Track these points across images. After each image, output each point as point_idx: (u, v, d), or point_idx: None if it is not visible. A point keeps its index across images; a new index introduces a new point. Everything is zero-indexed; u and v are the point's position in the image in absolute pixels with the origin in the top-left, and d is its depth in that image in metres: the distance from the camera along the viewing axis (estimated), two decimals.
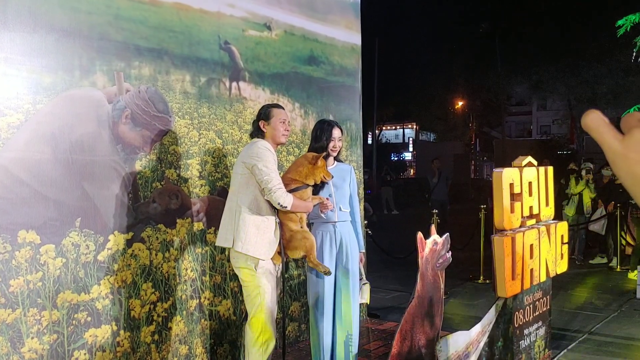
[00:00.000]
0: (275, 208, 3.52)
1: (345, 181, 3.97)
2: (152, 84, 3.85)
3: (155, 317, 3.85)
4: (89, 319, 3.47)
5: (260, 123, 3.64)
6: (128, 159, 3.71)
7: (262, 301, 3.49)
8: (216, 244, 3.70)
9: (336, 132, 3.91)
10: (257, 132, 3.66)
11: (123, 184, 3.69)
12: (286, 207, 3.44)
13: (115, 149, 3.64)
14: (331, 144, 3.89)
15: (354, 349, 3.94)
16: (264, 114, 3.65)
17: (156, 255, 3.85)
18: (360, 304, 4.06)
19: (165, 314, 3.92)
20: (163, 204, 3.92)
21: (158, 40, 3.90)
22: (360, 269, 4.04)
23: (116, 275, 3.61)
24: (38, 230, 3.24)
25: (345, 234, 3.91)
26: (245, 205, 3.49)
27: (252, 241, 3.47)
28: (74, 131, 3.43)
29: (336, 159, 4.03)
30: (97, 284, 3.52)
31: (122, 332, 3.65)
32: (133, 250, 3.72)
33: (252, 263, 3.48)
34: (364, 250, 4.10)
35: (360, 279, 4.02)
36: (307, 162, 3.67)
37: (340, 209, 3.91)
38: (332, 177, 3.78)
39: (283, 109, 3.72)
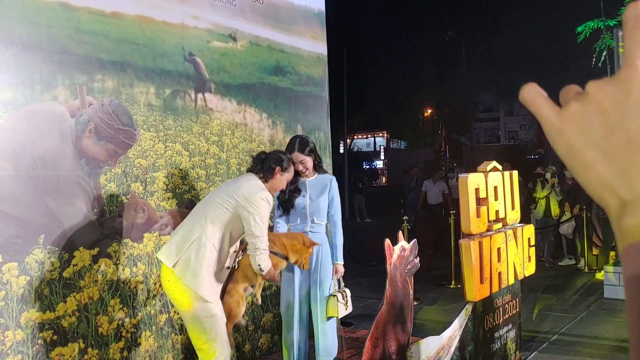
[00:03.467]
0: (233, 254, 3.42)
1: (322, 194, 3.95)
2: (116, 97, 3.81)
3: (124, 333, 3.78)
4: (55, 337, 3.39)
5: (276, 167, 3.48)
6: (92, 174, 3.66)
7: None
8: (157, 256, 3.42)
9: (295, 156, 3.87)
10: (265, 173, 3.47)
11: (88, 199, 3.63)
12: (263, 271, 3.31)
13: (79, 164, 3.59)
14: (300, 167, 3.88)
15: (328, 358, 3.94)
16: (285, 163, 3.53)
17: (123, 270, 3.80)
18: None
19: (134, 330, 3.85)
20: (129, 219, 3.87)
21: (121, 53, 3.86)
22: (334, 281, 4.02)
23: (82, 291, 3.55)
24: (0, 249, 3.17)
25: (319, 241, 3.91)
26: (212, 240, 3.28)
27: (205, 280, 3.24)
28: (36, 146, 3.37)
29: (317, 169, 4.01)
30: (63, 301, 3.45)
31: (90, 349, 3.58)
32: (99, 266, 3.66)
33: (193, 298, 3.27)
34: (340, 262, 4.03)
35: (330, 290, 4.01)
36: (303, 244, 3.60)
37: (313, 221, 3.92)
38: (308, 269, 3.77)
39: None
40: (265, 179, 3.43)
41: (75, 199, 3.55)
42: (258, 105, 4.95)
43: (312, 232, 3.92)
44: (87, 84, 3.65)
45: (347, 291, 4.07)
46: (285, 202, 3.96)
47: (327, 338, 3.97)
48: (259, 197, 3.27)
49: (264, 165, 3.48)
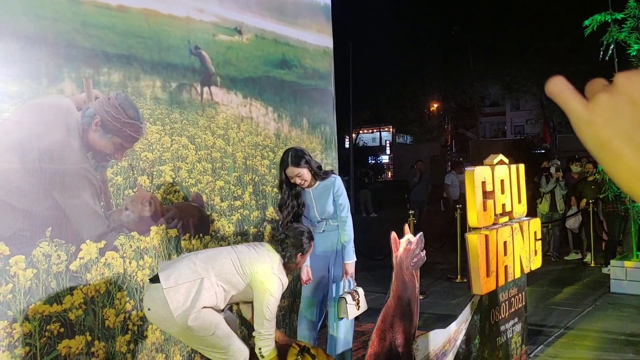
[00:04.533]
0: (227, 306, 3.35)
1: (328, 199, 3.96)
2: (122, 91, 3.81)
3: (130, 326, 3.80)
4: (62, 330, 3.41)
5: (298, 254, 3.44)
6: (99, 167, 3.66)
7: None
8: (162, 283, 3.11)
9: (290, 171, 3.86)
10: (286, 257, 3.40)
11: (94, 192, 3.64)
12: (263, 357, 3.21)
13: (85, 157, 3.59)
14: (297, 180, 3.88)
15: (334, 350, 3.96)
16: (306, 245, 3.47)
17: (130, 263, 3.81)
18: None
19: (141, 323, 3.87)
20: (136, 212, 3.88)
21: (127, 47, 3.86)
22: (344, 281, 4.01)
23: (89, 284, 3.56)
24: (7, 241, 3.18)
25: (333, 240, 4.03)
26: (215, 288, 3.16)
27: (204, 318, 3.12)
28: (43, 140, 3.38)
29: (318, 177, 3.97)
30: (70, 294, 3.46)
31: (96, 342, 3.59)
32: (106, 259, 3.67)
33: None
34: (349, 261, 3.99)
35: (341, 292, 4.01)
36: None
37: (328, 223, 4.02)
38: None
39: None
40: (286, 263, 3.40)
41: (82, 192, 3.56)
42: (264, 99, 4.94)
43: (326, 231, 4.02)
44: (93, 78, 3.65)
45: (360, 291, 4.03)
46: (296, 216, 3.98)
47: (336, 338, 3.98)
48: (277, 281, 3.21)
49: (284, 248, 3.42)
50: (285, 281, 3.31)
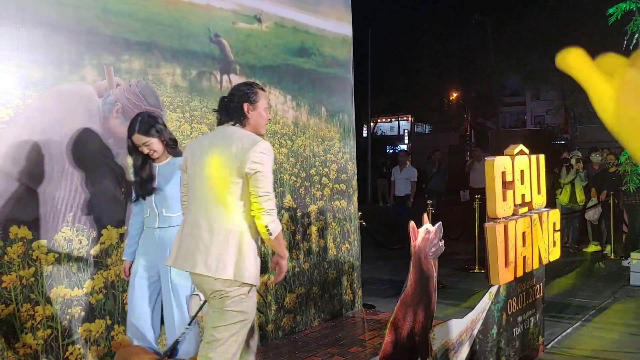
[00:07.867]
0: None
1: (172, 180, 3.31)
2: (143, 78, 3.84)
3: None
4: (82, 313, 3.47)
5: (244, 106, 2.84)
6: (120, 153, 3.70)
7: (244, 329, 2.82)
8: (210, 274, 2.69)
9: (136, 139, 3.26)
10: (234, 117, 2.85)
11: (115, 178, 3.68)
12: (272, 235, 2.74)
13: (106, 144, 3.63)
14: (145, 150, 3.29)
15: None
16: (251, 94, 2.87)
17: None
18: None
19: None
20: None
21: (147, 34, 3.88)
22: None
23: (109, 269, 3.61)
24: (30, 226, 3.24)
25: (169, 240, 3.24)
26: (248, 225, 2.74)
27: (254, 267, 2.77)
28: (64, 126, 3.42)
29: (171, 150, 3.40)
30: (91, 278, 3.52)
31: (116, 326, 3.65)
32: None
33: (247, 289, 2.78)
34: None
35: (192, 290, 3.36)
36: None
37: (162, 213, 3.32)
38: None
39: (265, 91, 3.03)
40: (238, 125, 2.85)
41: (102, 178, 3.61)
42: (282, 87, 4.94)
43: (161, 227, 3.32)
44: (114, 65, 3.68)
45: None
46: (141, 186, 3.35)
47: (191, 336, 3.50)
48: (259, 151, 2.71)
49: (229, 109, 2.87)
50: (269, 148, 2.79)
